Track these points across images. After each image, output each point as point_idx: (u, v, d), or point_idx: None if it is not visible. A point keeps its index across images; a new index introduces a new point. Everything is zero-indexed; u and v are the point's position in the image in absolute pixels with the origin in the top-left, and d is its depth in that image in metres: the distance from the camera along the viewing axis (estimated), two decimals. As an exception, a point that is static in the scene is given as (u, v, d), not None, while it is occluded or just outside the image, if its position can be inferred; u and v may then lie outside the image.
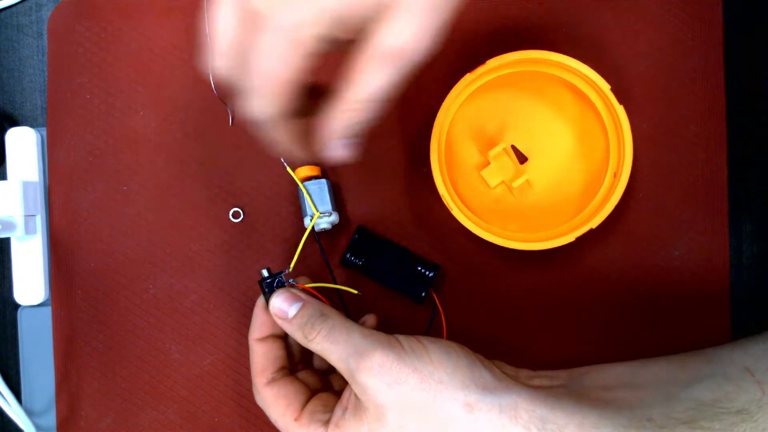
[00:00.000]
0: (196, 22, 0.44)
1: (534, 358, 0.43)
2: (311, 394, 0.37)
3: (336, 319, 0.35)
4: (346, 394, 0.35)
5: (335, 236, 0.44)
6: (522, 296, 0.43)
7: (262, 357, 0.37)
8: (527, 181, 0.42)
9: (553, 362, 0.41)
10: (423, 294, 0.42)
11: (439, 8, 0.27)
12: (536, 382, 0.37)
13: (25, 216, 0.43)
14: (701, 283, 0.43)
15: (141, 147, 0.45)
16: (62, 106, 0.45)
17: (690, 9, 0.43)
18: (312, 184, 0.42)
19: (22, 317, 0.45)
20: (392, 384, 0.33)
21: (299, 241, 0.40)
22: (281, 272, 0.38)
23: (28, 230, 0.43)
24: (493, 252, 0.43)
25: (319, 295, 0.38)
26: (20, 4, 0.46)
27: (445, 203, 0.40)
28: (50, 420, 0.45)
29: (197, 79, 0.44)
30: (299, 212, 0.44)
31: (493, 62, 0.39)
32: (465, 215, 0.40)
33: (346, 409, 0.35)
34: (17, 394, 0.45)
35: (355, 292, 0.40)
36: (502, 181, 0.42)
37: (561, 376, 0.38)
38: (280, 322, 0.36)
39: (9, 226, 0.42)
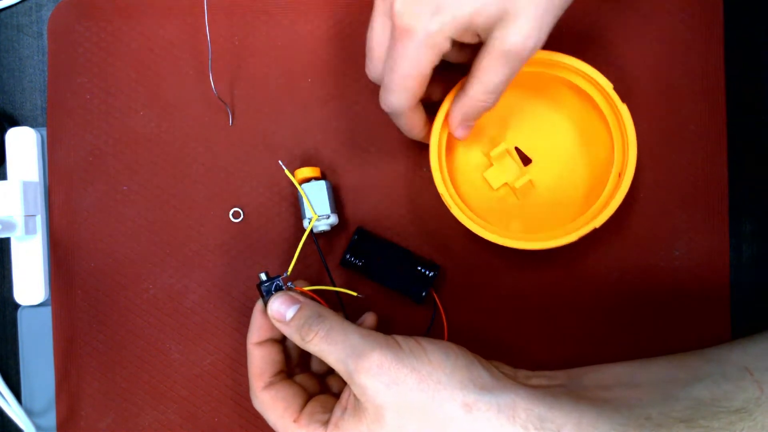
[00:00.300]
0: (195, 22, 0.44)
1: (534, 357, 0.43)
2: (309, 397, 0.37)
3: (333, 320, 0.35)
4: (345, 395, 0.35)
5: (335, 237, 0.44)
6: (522, 296, 0.43)
7: (260, 360, 0.37)
8: (531, 182, 0.42)
9: (552, 362, 0.41)
10: (423, 294, 0.42)
11: (552, 11, 0.33)
12: (534, 381, 0.37)
13: (25, 216, 0.43)
14: (701, 283, 0.43)
15: (141, 147, 0.45)
16: (62, 106, 0.45)
17: (690, 9, 0.43)
18: (311, 186, 0.42)
19: (22, 317, 0.45)
20: (390, 384, 0.33)
21: (299, 241, 0.40)
22: (279, 276, 0.38)
23: (28, 230, 0.43)
24: (493, 252, 0.43)
25: (318, 298, 0.38)
26: (20, 4, 0.46)
27: (444, 201, 0.40)
28: (50, 420, 0.45)
29: (197, 79, 0.44)
30: (299, 212, 0.44)
31: None
32: (464, 213, 0.39)
33: (345, 409, 0.35)
34: (17, 394, 0.45)
35: (354, 294, 0.40)
36: (505, 183, 0.42)
37: (559, 376, 0.38)
38: (278, 324, 0.36)
39: (9, 226, 0.42)
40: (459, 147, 0.43)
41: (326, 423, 0.35)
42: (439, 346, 0.35)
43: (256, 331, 0.38)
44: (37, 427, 0.44)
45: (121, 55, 0.45)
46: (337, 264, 0.43)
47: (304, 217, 0.42)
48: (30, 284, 0.44)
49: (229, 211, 0.44)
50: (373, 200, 0.44)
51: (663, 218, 0.43)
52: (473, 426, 0.33)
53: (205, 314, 0.44)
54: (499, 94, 0.35)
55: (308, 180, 0.42)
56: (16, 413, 0.43)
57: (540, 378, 0.38)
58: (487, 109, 0.37)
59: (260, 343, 0.38)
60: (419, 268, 0.42)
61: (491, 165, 0.42)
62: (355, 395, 0.34)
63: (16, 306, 0.45)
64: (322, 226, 0.42)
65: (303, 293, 0.38)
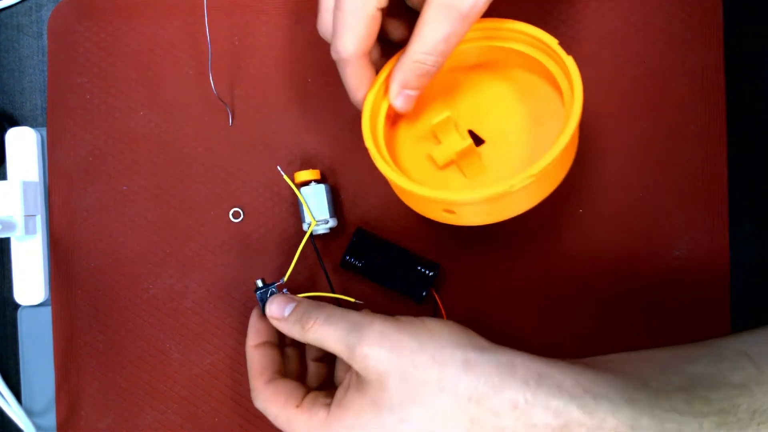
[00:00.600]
0: (196, 22, 0.44)
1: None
2: (309, 391, 0.37)
3: (331, 307, 0.36)
4: (346, 378, 0.36)
5: (335, 238, 0.44)
6: (523, 295, 0.43)
7: (261, 359, 0.38)
8: (478, 156, 0.38)
9: (553, 362, 0.41)
10: (423, 293, 0.42)
11: None
12: None
13: (25, 216, 0.43)
14: (701, 283, 0.43)
15: (141, 147, 0.45)
16: (62, 106, 0.45)
17: (690, 9, 0.43)
18: (311, 190, 0.42)
19: (22, 317, 0.45)
20: (392, 350, 0.33)
21: (299, 242, 0.40)
22: (274, 283, 0.39)
23: (28, 230, 0.43)
24: (493, 250, 0.43)
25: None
26: (20, 4, 0.46)
27: (371, 156, 0.37)
28: (50, 420, 0.45)
29: (197, 79, 0.44)
30: (299, 212, 0.44)
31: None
32: (389, 166, 0.36)
33: (347, 388, 0.35)
34: (17, 394, 0.45)
35: (352, 300, 0.40)
36: (452, 161, 0.39)
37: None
38: (276, 323, 0.37)
39: (9, 226, 0.42)
40: (401, 128, 0.40)
41: (329, 405, 0.35)
42: (438, 319, 0.36)
43: (255, 334, 0.39)
44: (37, 427, 0.44)
45: (121, 55, 0.45)
46: (337, 265, 0.43)
47: (304, 221, 0.42)
48: (30, 284, 0.44)
49: (229, 211, 0.44)
50: (373, 200, 0.44)
51: (663, 218, 0.43)
52: (473, 382, 0.33)
53: (205, 314, 0.44)
54: (440, 56, 0.34)
55: (308, 183, 0.42)
56: (16, 413, 0.43)
57: None
58: (429, 73, 0.35)
59: (259, 345, 0.39)
60: (419, 268, 0.42)
61: (438, 143, 0.39)
62: (357, 373, 0.34)
63: (16, 306, 0.45)
64: (321, 229, 0.42)
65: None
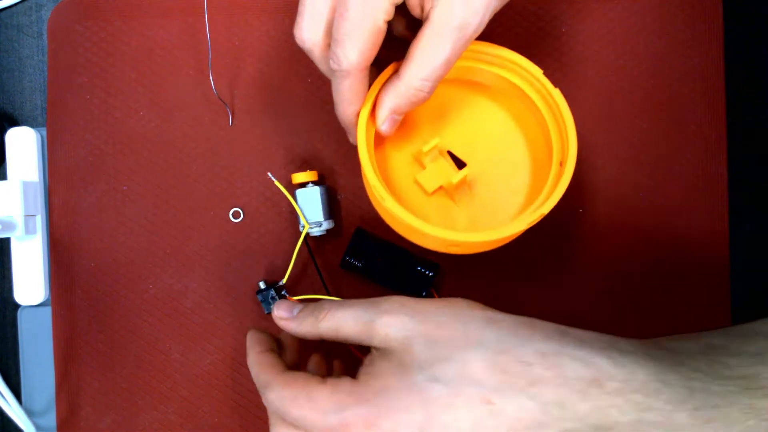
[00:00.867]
0: (196, 22, 0.44)
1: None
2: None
3: (340, 299, 0.36)
4: (367, 357, 0.34)
5: (335, 239, 0.44)
6: (521, 294, 0.43)
7: (269, 359, 0.36)
8: (467, 182, 0.38)
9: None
10: (423, 293, 0.42)
11: None
12: None
13: (25, 216, 0.43)
14: (701, 282, 0.43)
15: (141, 147, 0.45)
16: (62, 106, 0.45)
17: (690, 9, 0.43)
18: (305, 192, 0.42)
19: (22, 317, 0.45)
20: (414, 315, 0.33)
21: (298, 242, 0.40)
22: (276, 283, 0.39)
23: (28, 230, 0.43)
24: (493, 251, 0.43)
25: None
26: (20, 4, 0.46)
27: (377, 195, 0.36)
28: (50, 420, 0.45)
29: (197, 79, 0.44)
30: (299, 212, 0.44)
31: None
32: (402, 206, 0.35)
33: (372, 360, 0.33)
34: (17, 394, 0.45)
35: None
36: (441, 186, 0.39)
37: None
38: (285, 323, 0.36)
39: (9, 226, 0.42)
40: (387, 147, 0.40)
41: (354, 377, 0.33)
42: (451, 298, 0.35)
43: (257, 344, 0.37)
44: (37, 427, 0.44)
45: (121, 55, 0.45)
46: (337, 266, 0.43)
47: (300, 224, 0.42)
48: (30, 284, 0.44)
49: (229, 211, 0.44)
50: (372, 201, 0.44)
51: (663, 218, 0.43)
52: (499, 335, 0.32)
53: (205, 314, 0.44)
54: (435, 81, 0.33)
55: (304, 185, 0.42)
56: (16, 413, 0.43)
57: None
58: (421, 99, 0.34)
59: (262, 351, 0.37)
60: (419, 268, 0.42)
61: (423, 168, 0.39)
62: (377, 348, 0.33)
63: (16, 306, 0.45)
64: (316, 232, 0.42)
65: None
